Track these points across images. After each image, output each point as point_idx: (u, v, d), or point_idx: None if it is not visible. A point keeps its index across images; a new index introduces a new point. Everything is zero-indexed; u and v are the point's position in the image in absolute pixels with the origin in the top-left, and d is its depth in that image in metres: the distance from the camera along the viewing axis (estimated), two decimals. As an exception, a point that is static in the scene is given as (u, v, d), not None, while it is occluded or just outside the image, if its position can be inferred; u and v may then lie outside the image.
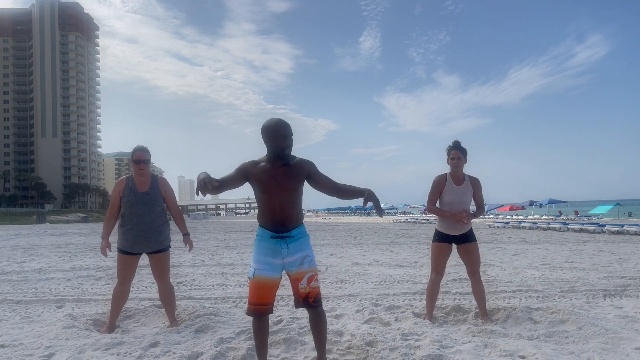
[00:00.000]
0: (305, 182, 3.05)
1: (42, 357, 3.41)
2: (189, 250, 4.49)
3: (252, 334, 3.14)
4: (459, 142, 4.39)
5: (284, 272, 3.03)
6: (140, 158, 4.12)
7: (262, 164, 2.99)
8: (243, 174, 2.98)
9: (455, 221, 4.26)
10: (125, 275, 4.21)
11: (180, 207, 4.57)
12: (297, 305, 3.06)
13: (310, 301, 2.99)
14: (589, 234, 18.97)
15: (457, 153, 4.32)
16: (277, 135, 2.89)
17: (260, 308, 2.97)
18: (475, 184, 4.41)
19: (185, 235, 4.41)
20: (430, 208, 4.43)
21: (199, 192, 2.77)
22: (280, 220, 2.96)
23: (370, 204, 2.91)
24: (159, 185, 4.25)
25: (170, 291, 4.33)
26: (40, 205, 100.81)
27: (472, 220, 4.31)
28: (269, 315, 3.09)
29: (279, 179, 2.92)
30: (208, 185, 2.74)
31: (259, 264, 2.96)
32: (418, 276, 7.45)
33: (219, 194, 3.02)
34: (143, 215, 4.11)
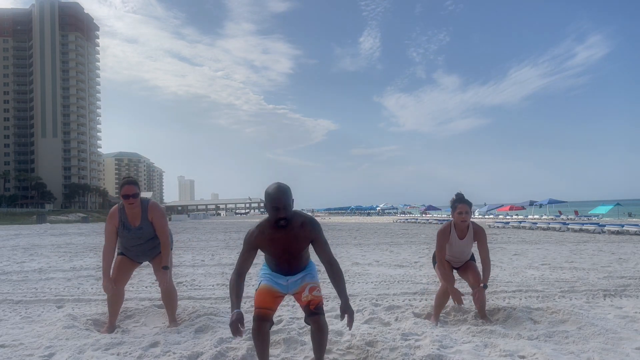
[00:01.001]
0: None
1: (42, 357, 3.41)
2: (160, 285, 4.14)
3: (253, 342, 3.13)
4: (463, 195, 4.30)
5: (288, 293, 3.17)
6: (128, 193, 4.01)
7: (267, 230, 2.99)
8: (253, 251, 3.04)
9: (453, 297, 4.18)
10: (118, 278, 4.20)
11: (169, 234, 4.24)
12: (304, 311, 3.12)
13: (311, 308, 3.04)
14: (589, 234, 18.97)
15: (465, 207, 4.22)
16: (270, 206, 2.86)
17: (264, 312, 3.04)
18: (478, 234, 4.33)
19: (164, 268, 4.13)
20: (439, 268, 4.33)
21: (235, 335, 2.81)
22: (287, 271, 3.13)
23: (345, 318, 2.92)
24: (149, 214, 4.14)
25: (171, 291, 4.33)
26: (40, 205, 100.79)
27: (482, 297, 4.22)
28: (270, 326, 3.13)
29: (285, 244, 3.00)
30: (239, 328, 2.78)
31: (265, 277, 3.15)
32: (418, 276, 7.46)
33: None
34: (140, 245, 4.21)
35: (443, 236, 4.32)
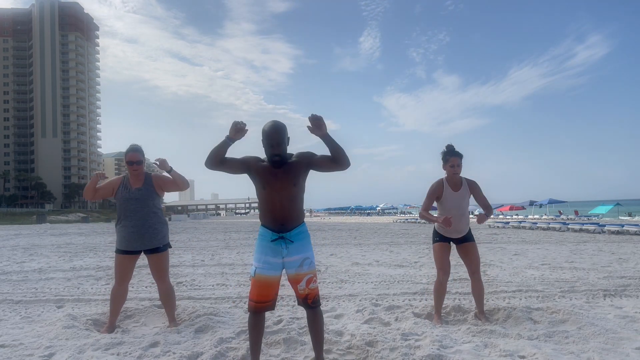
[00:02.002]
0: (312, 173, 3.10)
1: (42, 357, 3.41)
2: (157, 162, 4.18)
3: (248, 331, 3.18)
4: (454, 147, 4.30)
5: (284, 270, 3.08)
6: (132, 159, 4.13)
7: (264, 162, 3.06)
8: (245, 164, 3.05)
9: (444, 225, 4.04)
10: (122, 276, 4.21)
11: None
12: (298, 303, 3.15)
13: (309, 302, 3.07)
14: (589, 234, 18.97)
15: (456, 160, 4.21)
16: (266, 142, 2.96)
17: (260, 305, 3.03)
18: (473, 187, 4.33)
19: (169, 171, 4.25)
20: (422, 214, 4.33)
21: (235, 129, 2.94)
22: (280, 218, 3.00)
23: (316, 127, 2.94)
24: (153, 181, 4.26)
25: (169, 292, 4.33)
26: (40, 205, 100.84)
27: (484, 221, 4.22)
28: (271, 311, 3.14)
29: (279, 176, 2.98)
30: (240, 126, 2.93)
31: (259, 262, 3.02)
32: (418, 276, 7.46)
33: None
34: (136, 211, 4.13)
35: (433, 192, 4.29)
